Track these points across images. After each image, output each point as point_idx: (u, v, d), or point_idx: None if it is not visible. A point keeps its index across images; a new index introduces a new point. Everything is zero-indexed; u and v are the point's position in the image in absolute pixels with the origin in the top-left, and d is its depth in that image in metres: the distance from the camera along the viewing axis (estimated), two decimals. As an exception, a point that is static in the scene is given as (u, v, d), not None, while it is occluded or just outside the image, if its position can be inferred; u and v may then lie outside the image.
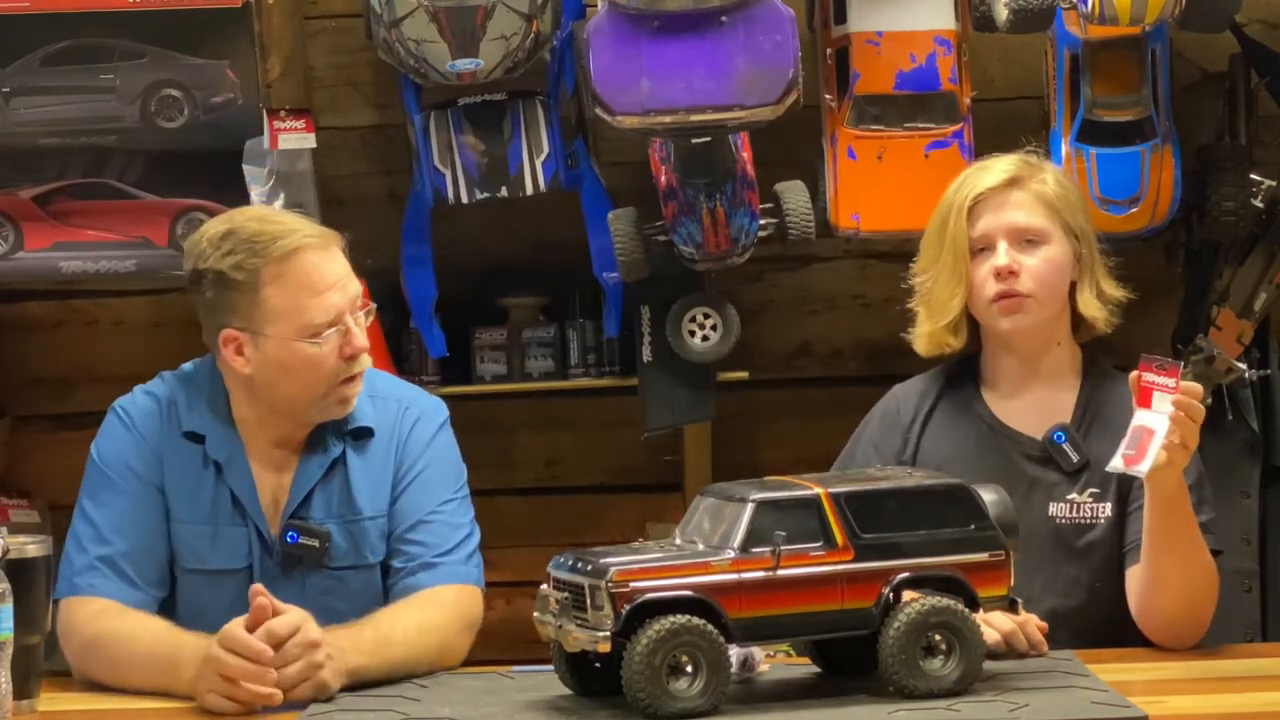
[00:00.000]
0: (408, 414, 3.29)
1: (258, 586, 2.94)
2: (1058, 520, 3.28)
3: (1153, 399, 2.98)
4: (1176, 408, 2.96)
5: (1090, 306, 3.35)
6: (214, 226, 3.22)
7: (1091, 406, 3.35)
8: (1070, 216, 3.35)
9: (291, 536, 3.19)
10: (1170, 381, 2.97)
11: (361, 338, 3.18)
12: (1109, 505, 3.27)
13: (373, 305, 3.27)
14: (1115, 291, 3.39)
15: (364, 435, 3.26)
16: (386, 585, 3.24)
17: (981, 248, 3.33)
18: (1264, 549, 4.15)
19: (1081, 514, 3.28)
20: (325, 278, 3.16)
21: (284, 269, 3.14)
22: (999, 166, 3.38)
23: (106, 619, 3.10)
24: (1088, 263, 3.36)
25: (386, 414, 3.28)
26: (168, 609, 3.19)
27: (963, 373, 3.45)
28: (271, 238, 3.16)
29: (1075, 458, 3.29)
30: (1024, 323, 3.32)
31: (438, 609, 3.12)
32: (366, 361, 3.21)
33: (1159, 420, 2.97)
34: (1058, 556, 3.27)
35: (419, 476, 3.25)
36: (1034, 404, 3.37)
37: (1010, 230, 3.32)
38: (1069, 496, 3.29)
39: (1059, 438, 3.30)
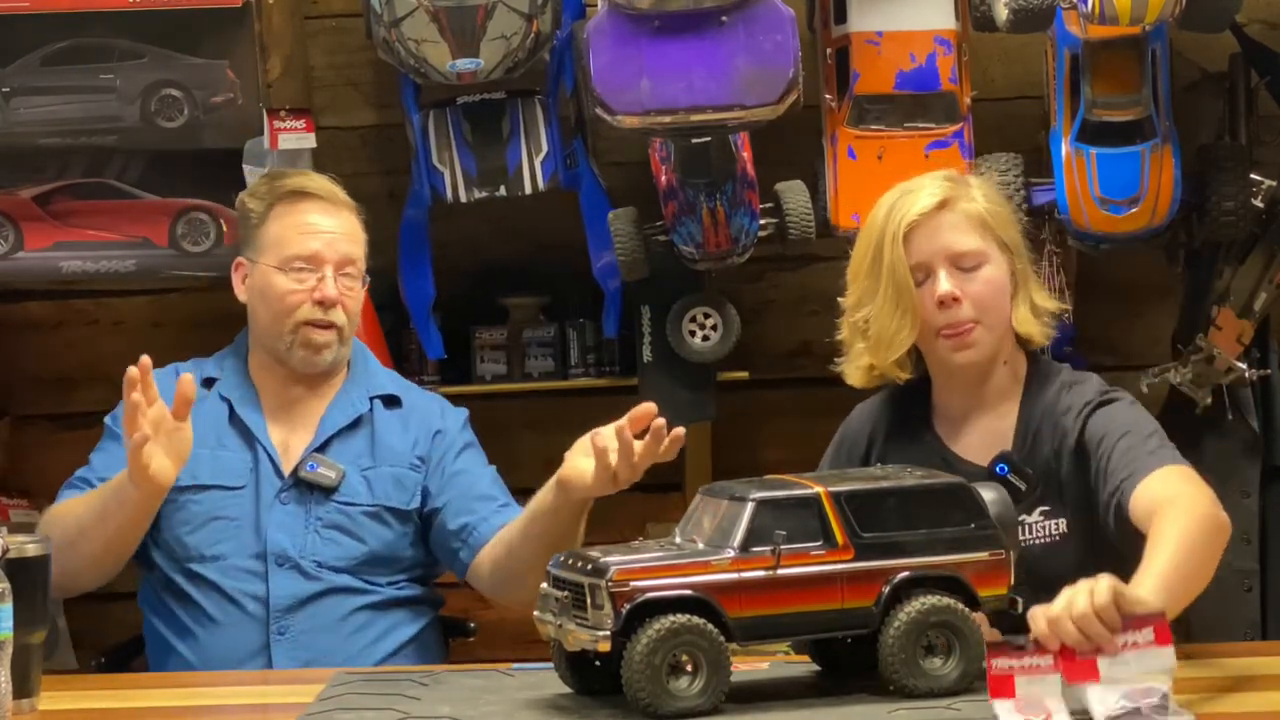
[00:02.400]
0: (441, 403, 3.59)
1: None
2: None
3: (1015, 685, 2.53)
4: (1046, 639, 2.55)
5: (1026, 324, 3.22)
6: None
7: (1031, 423, 3.21)
8: (1003, 231, 3.22)
9: (311, 466, 3.41)
10: (1036, 660, 2.53)
11: (332, 289, 3.42)
12: (1063, 521, 3.16)
13: (366, 278, 3.52)
14: (1048, 303, 3.25)
15: (393, 403, 3.52)
16: (461, 537, 3.41)
17: (922, 278, 3.19)
18: (1264, 549, 4.15)
19: (1036, 534, 3.16)
20: (316, 224, 3.47)
21: (285, 207, 3.48)
22: (927, 189, 3.21)
23: (68, 502, 3.37)
24: (1022, 277, 3.23)
25: (419, 399, 3.56)
26: (148, 541, 3.39)
27: (913, 399, 3.32)
28: (285, 178, 3.56)
29: (1022, 486, 3.13)
30: (973, 356, 3.20)
31: None
32: (342, 318, 3.44)
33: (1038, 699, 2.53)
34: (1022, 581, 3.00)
35: (466, 449, 3.50)
36: (980, 431, 3.24)
37: (948, 255, 3.17)
38: (1022, 518, 3.11)
39: (1002, 470, 3.15)
